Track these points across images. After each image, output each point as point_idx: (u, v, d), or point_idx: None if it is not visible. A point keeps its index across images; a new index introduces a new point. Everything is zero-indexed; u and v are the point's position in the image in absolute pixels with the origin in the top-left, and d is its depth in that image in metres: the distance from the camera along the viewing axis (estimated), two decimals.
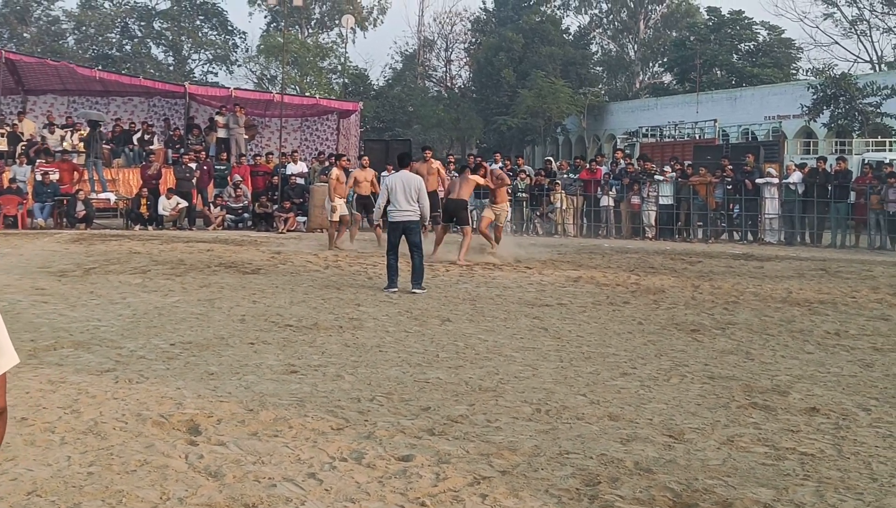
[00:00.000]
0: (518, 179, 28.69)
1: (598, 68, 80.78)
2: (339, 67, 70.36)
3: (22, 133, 32.07)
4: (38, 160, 29.42)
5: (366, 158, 24.64)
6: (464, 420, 7.18)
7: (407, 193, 15.12)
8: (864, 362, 9.88)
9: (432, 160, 23.69)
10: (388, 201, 15.29)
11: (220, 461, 6.10)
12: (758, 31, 71.17)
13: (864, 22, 68.76)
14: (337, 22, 74.19)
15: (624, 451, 6.46)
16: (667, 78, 79.21)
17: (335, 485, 5.70)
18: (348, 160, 24.08)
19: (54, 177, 28.08)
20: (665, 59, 78.00)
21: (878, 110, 42.12)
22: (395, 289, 14.70)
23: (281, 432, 6.78)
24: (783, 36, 70.90)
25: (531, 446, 6.54)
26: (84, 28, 74.86)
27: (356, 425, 7.00)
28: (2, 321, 2.72)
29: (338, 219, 22.04)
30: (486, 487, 5.71)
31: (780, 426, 7.19)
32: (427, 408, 7.54)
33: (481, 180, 20.18)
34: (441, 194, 22.56)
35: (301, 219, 28.53)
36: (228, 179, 29.63)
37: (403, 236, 15.09)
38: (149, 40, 77.21)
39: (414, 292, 14.55)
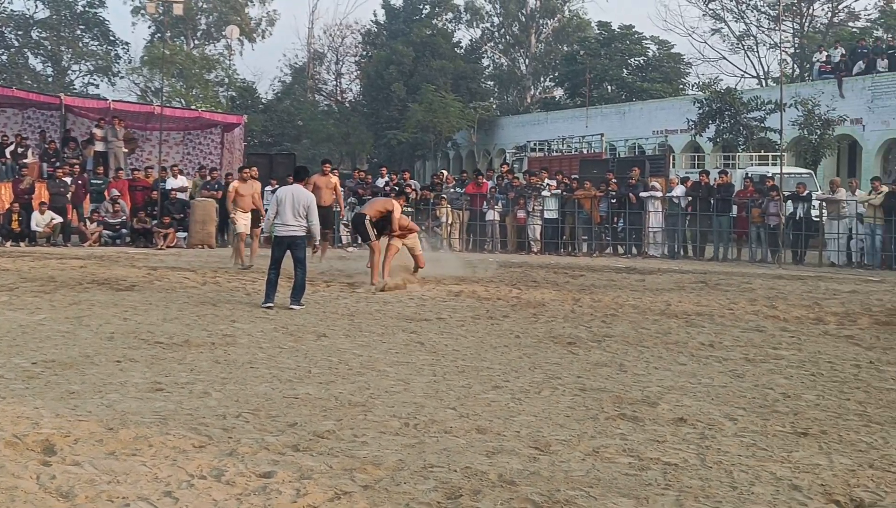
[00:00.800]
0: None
1: (489, 82, 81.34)
2: (226, 80, 69.78)
3: None
4: None
5: (253, 169, 23.85)
6: (330, 436, 7.17)
7: (295, 208, 14.84)
8: (735, 372, 10.10)
9: (331, 175, 23.21)
10: (277, 214, 15.02)
11: (73, 481, 5.99)
12: (647, 45, 72.32)
13: (751, 37, 70.35)
14: (223, 33, 73.56)
15: (489, 464, 6.50)
16: (558, 92, 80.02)
17: (191, 503, 5.64)
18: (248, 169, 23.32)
19: None
20: (556, 74, 78.79)
21: (762, 125, 43.02)
22: (271, 305, 14.53)
23: (140, 450, 6.69)
24: (672, 51, 72.13)
25: (395, 460, 6.55)
26: None
27: (219, 442, 6.93)
28: None
29: (241, 232, 21.55)
30: (346, 502, 5.70)
31: (647, 437, 7.31)
32: (293, 424, 7.50)
33: (393, 212, 18.36)
34: (338, 210, 22.66)
35: (181, 235, 28.19)
36: (106, 193, 29.12)
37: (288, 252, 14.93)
38: (26, 50, 75.61)
39: (291, 308, 14.43)
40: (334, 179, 23.15)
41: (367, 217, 17.95)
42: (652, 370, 10.10)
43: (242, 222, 21.55)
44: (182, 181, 30.22)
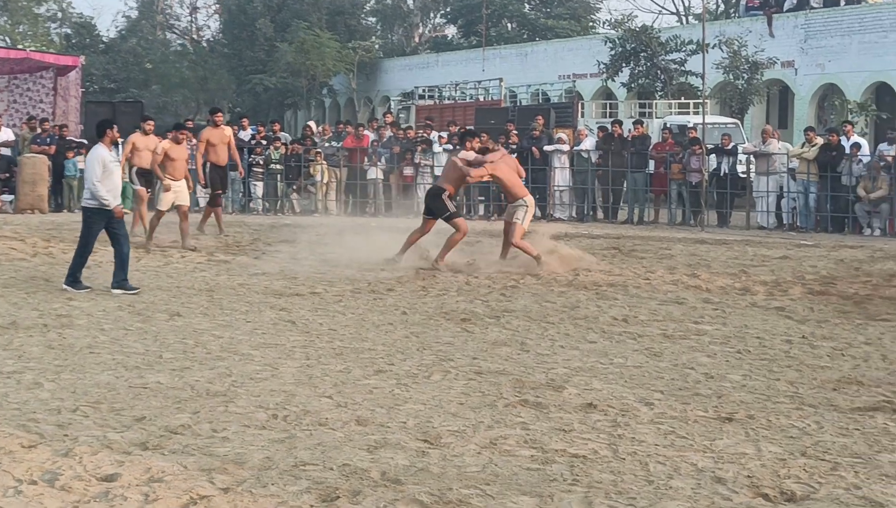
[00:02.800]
0: (272, 148, 28.51)
1: (370, 19, 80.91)
2: (59, 14, 68.48)
3: None
4: None
5: (150, 122, 21.63)
6: (185, 431, 7.10)
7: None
8: (651, 350, 10.25)
9: (224, 126, 21.97)
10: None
11: None
12: None
13: None
14: None
15: (370, 460, 6.50)
16: (450, 31, 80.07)
17: None
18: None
19: None
20: (448, 9, 78.74)
21: (683, 68, 43.41)
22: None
23: None
24: None
25: (262, 458, 6.51)
26: None
27: (53, 441, 6.83)
28: None
29: (167, 209, 19.29)
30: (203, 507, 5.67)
31: (551, 426, 7.37)
32: (142, 418, 7.42)
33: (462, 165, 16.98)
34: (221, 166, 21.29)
35: (6, 198, 27.58)
36: None
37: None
38: None
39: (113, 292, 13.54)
40: (228, 133, 21.96)
41: (447, 192, 16.75)
42: (557, 350, 10.19)
43: (173, 194, 19.23)
44: (7, 134, 29.52)
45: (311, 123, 34.51)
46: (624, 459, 6.62)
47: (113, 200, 13.72)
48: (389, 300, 13.18)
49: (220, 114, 22.16)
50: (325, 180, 28.74)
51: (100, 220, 13.72)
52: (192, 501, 5.75)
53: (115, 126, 14.29)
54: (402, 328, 11.17)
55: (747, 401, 8.18)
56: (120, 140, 15.74)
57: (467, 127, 26.37)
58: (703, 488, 6.06)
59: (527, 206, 16.55)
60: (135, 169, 20.69)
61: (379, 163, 28.83)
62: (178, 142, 19.50)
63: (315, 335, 10.73)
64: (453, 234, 16.44)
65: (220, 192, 21.72)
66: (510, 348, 10.24)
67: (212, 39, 79.74)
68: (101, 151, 13.74)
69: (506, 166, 16.92)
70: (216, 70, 70.09)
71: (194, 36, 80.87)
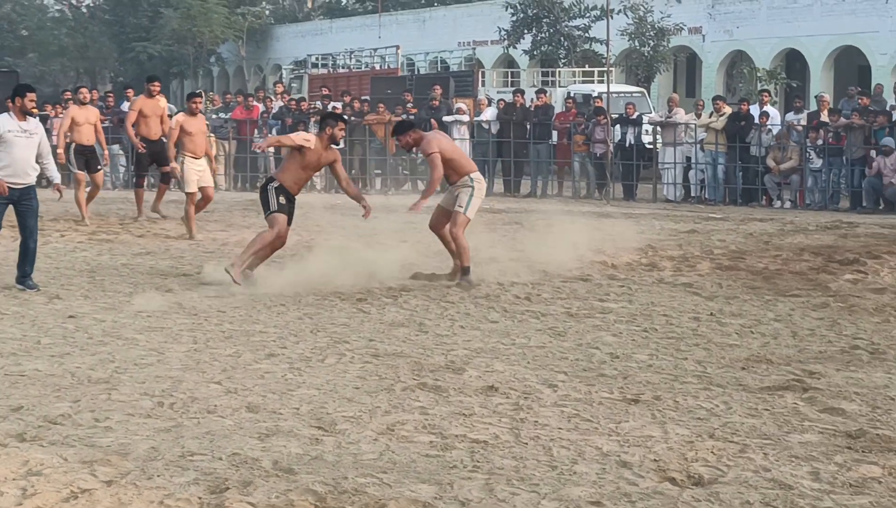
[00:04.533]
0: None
1: None
2: None
3: None
4: None
5: (84, 90, 21.62)
6: (65, 421, 7.04)
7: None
8: (555, 330, 10.32)
9: (160, 96, 20.70)
10: None
11: None
12: None
13: None
14: None
15: (262, 449, 6.48)
16: None
17: None
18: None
19: None
20: None
21: (587, 35, 43.65)
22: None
23: None
24: None
25: (147, 448, 6.46)
26: None
27: None
28: None
29: (195, 190, 17.68)
30: (85, 502, 5.60)
31: (451, 410, 7.39)
32: (18, 408, 7.34)
33: None
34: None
35: None
36: None
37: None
38: None
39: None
40: (163, 104, 20.94)
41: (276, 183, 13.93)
42: (457, 330, 10.23)
43: (196, 173, 17.85)
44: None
45: (199, 92, 34.16)
46: (526, 444, 6.66)
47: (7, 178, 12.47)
48: (281, 280, 13.08)
49: (156, 83, 20.64)
50: (213, 154, 28.48)
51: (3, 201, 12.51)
52: (72, 495, 5.69)
53: (29, 93, 12.96)
54: (295, 310, 11.13)
55: (654, 382, 8.27)
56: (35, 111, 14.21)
57: (403, 118, 25.31)
58: (609, 473, 6.11)
59: (472, 186, 13.60)
60: (73, 146, 19.63)
61: (269, 135, 28.65)
62: (192, 114, 18.10)
63: (203, 318, 10.67)
64: (263, 232, 13.47)
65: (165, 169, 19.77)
66: (408, 329, 10.26)
67: (92, 5, 78.60)
68: (4, 119, 12.69)
69: (443, 139, 14.52)
70: (97, 37, 69.29)
71: (73, 1, 79.67)
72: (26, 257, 12.56)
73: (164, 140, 19.41)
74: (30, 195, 12.59)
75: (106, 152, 22.48)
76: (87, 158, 19.63)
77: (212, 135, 27.95)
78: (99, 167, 17.50)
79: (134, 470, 6.08)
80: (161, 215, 19.91)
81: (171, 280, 13.06)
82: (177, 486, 5.83)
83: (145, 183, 21.09)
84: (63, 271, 13.83)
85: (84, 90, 21.00)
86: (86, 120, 19.60)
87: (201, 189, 17.81)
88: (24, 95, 12.79)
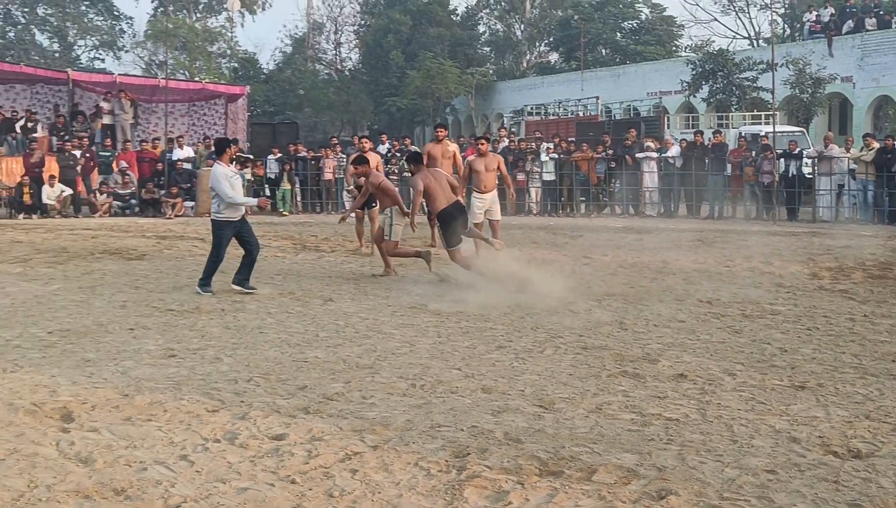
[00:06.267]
0: (404, 160, 28.64)
1: (485, 48, 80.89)
2: (229, 52, 69.53)
3: None
4: None
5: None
6: (339, 398, 7.18)
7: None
8: (733, 328, 10.09)
9: (447, 141, 18.70)
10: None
11: (91, 447, 6.01)
12: (640, 9, 71.98)
13: None
14: (224, 6, 73.15)
15: (494, 422, 6.51)
16: (553, 57, 79.62)
17: (206, 466, 5.66)
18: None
19: None
20: (551, 39, 78.40)
21: (755, 85, 42.85)
22: (238, 287, 12.83)
23: (155, 416, 6.70)
24: (665, 14, 71.75)
25: (404, 420, 6.56)
26: None
27: (231, 406, 6.95)
28: None
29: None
30: (356, 462, 5.72)
31: (648, 393, 7.32)
32: (303, 387, 7.51)
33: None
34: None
35: (188, 204, 28.15)
36: (114, 165, 29.06)
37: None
38: (33, 27, 75.19)
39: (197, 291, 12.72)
40: (452, 147, 18.67)
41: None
42: (652, 328, 10.10)
43: (482, 205, 16.27)
44: (188, 152, 30.09)
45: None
46: (711, 422, 6.55)
47: (249, 201, 13.45)
48: (507, 287, 13.07)
49: (442, 130, 18.76)
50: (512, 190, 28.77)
51: (229, 230, 12.81)
52: (346, 457, 5.82)
53: (232, 145, 13.53)
54: (518, 311, 11.12)
55: (817, 371, 8.03)
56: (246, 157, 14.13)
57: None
58: (781, 446, 5.98)
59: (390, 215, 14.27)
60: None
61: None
62: (482, 154, 16.36)
63: (445, 317, 10.74)
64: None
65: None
66: (611, 326, 10.17)
67: (353, 69, 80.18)
68: (220, 168, 12.75)
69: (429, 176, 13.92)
70: (357, 94, 70.52)
71: (339, 66, 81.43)
72: (251, 265, 12.92)
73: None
74: (244, 220, 12.98)
75: None
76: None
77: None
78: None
79: (394, 438, 6.18)
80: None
81: (421, 286, 13.14)
82: (428, 451, 5.91)
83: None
84: (334, 279, 14.11)
85: (365, 140, 19.53)
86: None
87: (489, 221, 16.34)
88: (231, 147, 13.28)
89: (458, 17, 76.76)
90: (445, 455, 5.83)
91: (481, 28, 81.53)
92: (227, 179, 12.67)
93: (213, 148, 28.97)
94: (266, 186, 28.80)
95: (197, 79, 52.89)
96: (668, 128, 40.12)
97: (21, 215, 26.75)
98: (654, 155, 27.64)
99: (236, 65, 69.23)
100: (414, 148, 31.16)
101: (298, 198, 29.89)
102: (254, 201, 14.19)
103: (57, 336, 9.68)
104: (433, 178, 13.80)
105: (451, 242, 13.47)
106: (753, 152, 26.96)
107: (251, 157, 28.79)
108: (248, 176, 28.14)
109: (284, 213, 28.50)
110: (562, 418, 6.65)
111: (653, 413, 6.75)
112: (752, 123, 39.04)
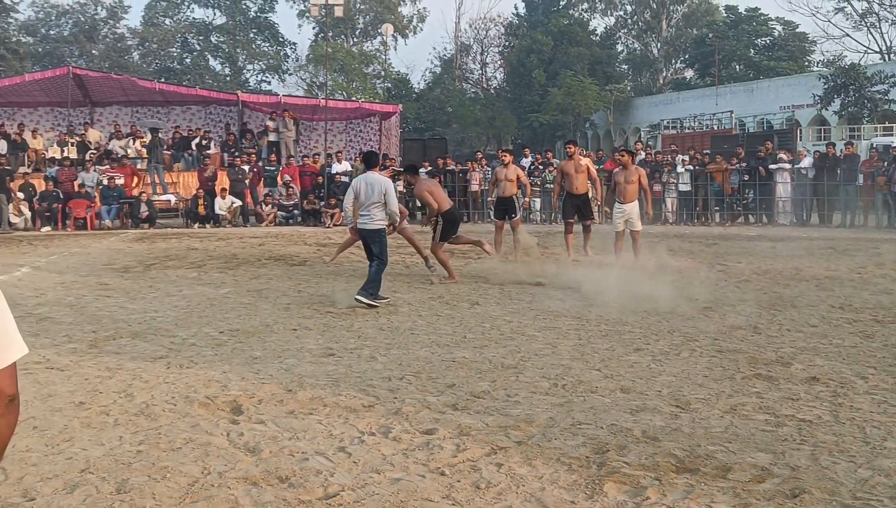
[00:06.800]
0: (547, 171, 28.60)
1: (623, 66, 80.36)
2: (383, 73, 70.41)
3: (89, 142, 32.46)
4: (104, 166, 29.79)
5: (506, 154, 18.80)
6: (485, 396, 7.18)
7: (369, 197, 12.34)
8: (865, 333, 9.76)
9: (580, 157, 17.68)
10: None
11: (258, 437, 6.13)
12: (773, 26, 70.61)
13: (874, 15, 67.72)
14: (379, 31, 74.13)
15: (633, 421, 6.43)
16: (688, 73, 78.69)
17: (363, 458, 5.71)
18: (625, 153, 17.04)
19: (119, 181, 28.45)
20: (686, 56, 77.52)
21: (886, 98, 41.62)
22: (385, 299, 12.19)
23: (316, 410, 6.80)
24: (797, 30, 70.23)
25: (546, 418, 6.52)
26: (147, 44, 75.28)
27: (385, 402, 7.01)
28: (10, 314, 2.71)
29: (621, 229, 16.12)
30: (502, 456, 5.70)
31: (781, 395, 7.12)
32: (452, 385, 7.53)
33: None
34: (593, 196, 18.03)
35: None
36: (279, 179, 29.76)
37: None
38: (207, 53, 77.55)
39: (357, 299, 11.87)
40: (585, 161, 17.61)
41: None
42: (785, 332, 9.83)
43: (623, 215, 16.18)
44: (346, 166, 30.59)
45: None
46: (844, 423, 6.34)
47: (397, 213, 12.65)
48: (642, 291, 12.93)
49: (573, 145, 18.00)
50: (591, 196, 28.55)
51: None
52: (493, 451, 5.81)
53: (383, 160, 13.33)
54: (654, 315, 10.96)
55: None
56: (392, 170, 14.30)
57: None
58: None
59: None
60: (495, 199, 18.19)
61: None
62: (624, 166, 16.21)
63: (585, 320, 10.65)
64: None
65: (573, 220, 17.56)
66: (745, 330, 9.94)
67: (498, 87, 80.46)
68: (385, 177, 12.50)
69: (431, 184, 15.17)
70: (501, 111, 70.73)
71: (484, 85, 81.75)
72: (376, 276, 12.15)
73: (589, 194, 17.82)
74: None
75: (526, 200, 21.28)
76: (505, 208, 17.67)
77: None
78: (514, 215, 17.15)
79: (537, 434, 6.14)
80: (587, 254, 17.21)
81: (560, 291, 13.03)
82: (569, 447, 5.86)
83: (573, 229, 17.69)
84: (481, 284, 14.09)
85: (506, 154, 18.64)
86: (505, 177, 17.78)
87: (631, 231, 16.05)
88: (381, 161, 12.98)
89: (598, 37, 76.38)
90: (586, 452, 5.77)
91: (619, 47, 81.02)
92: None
93: (386, 164, 29.44)
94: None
95: (354, 98, 53.68)
96: (801, 140, 39.21)
97: (196, 225, 27.60)
98: (787, 166, 27.00)
99: (390, 85, 70.05)
100: (555, 161, 31.16)
101: None
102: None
103: (228, 336, 9.92)
104: (433, 184, 15.20)
105: (443, 237, 14.46)
106: (885, 163, 26.08)
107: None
108: (401, 188, 28.46)
109: None
110: (697, 417, 6.52)
111: (786, 415, 6.57)
112: (884, 135, 37.88)
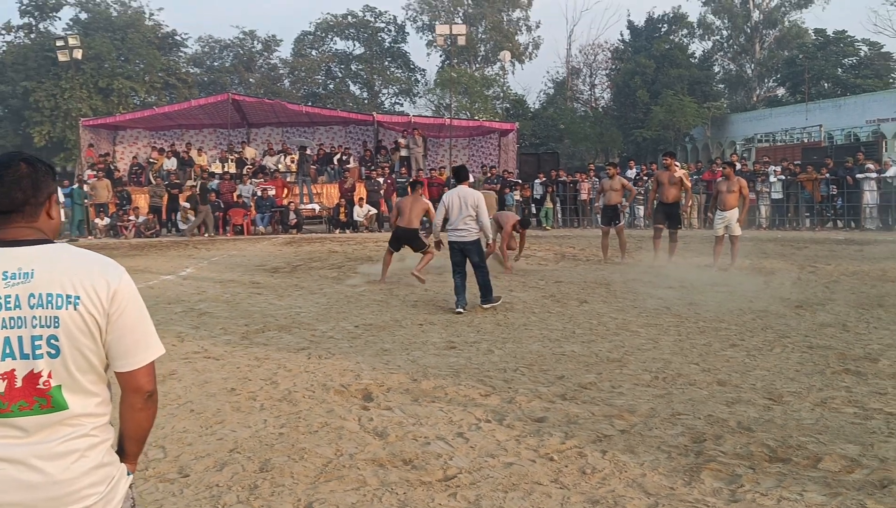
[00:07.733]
0: (650, 181, 28.11)
1: (720, 86, 78.47)
2: (501, 94, 70.27)
3: (246, 158, 33.22)
4: (258, 179, 30.45)
5: (610, 167, 17.87)
6: (592, 387, 7.02)
7: (462, 210, 11.59)
8: None
9: (675, 167, 16.79)
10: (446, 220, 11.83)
11: (386, 423, 6.09)
12: (859, 47, 68.16)
13: None
14: (498, 57, 74.07)
15: (728, 412, 6.20)
16: (780, 91, 76.48)
17: (479, 443, 5.63)
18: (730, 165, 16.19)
19: (271, 192, 28.98)
20: (778, 75, 75.31)
21: None
22: (461, 310, 11.15)
23: (438, 398, 6.75)
24: (882, 50, 67.69)
25: (648, 408, 6.33)
26: (296, 72, 76.69)
27: (501, 391, 6.91)
28: (149, 318, 2.68)
29: (721, 234, 15.76)
30: (606, 444, 5.56)
31: (870, 390, 6.79)
32: (561, 377, 7.39)
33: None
34: (686, 202, 17.24)
35: None
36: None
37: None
38: (347, 80, 78.51)
39: (485, 307, 11.41)
40: (680, 173, 16.69)
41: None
42: (872, 330, 9.40)
43: (723, 221, 15.80)
44: (469, 178, 30.57)
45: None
46: None
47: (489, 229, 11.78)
48: (739, 291, 12.56)
49: (669, 157, 17.26)
50: (690, 204, 28.01)
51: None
52: (598, 439, 5.68)
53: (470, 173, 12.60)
54: (750, 313, 10.61)
55: None
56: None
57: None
58: None
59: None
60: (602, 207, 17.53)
61: None
62: (727, 177, 15.61)
63: (684, 318, 10.37)
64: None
65: (661, 226, 16.66)
66: (834, 328, 9.54)
67: (605, 106, 79.54)
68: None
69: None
70: (608, 127, 69.74)
71: (593, 104, 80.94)
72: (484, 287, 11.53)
73: (680, 204, 17.08)
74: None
75: (626, 203, 19.67)
76: (610, 215, 17.31)
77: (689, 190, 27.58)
78: (618, 222, 16.79)
79: (639, 424, 5.98)
80: (671, 258, 16.46)
81: (662, 290, 12.72)
82: (669, 436, 5.68)
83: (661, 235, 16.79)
84: (588, 284, 13.87)
85: (611, 167, 18.09)
86: (610, 187, 17.37)
87: (730, 236, 15.59)
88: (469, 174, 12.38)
89: (696, 60, 74.90)
90: (684, 441, 5.58)
91: (716, 68, 79.27)
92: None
93: (489, 174, 29.43)
94: (532, 205, 28.94)
95: (476, 118, 53.68)
96: (886, 151, 37.70)
97: (337, 231, 27.90)
98: (874, 175, 25.97)
99: (508, 105, 69.77)
100: (657, 170, 30.61)
101: (559, 215, 29.90)
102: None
103: (362, 329, 9.95)
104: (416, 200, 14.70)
105: (390, 243, 14.66)
106: None
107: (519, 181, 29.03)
108: (517, 197, 28.34)
109: (547, 227, 28.48)
110: (789, 410, 6.25)
111: (874, 408, 6.25)
112: None
